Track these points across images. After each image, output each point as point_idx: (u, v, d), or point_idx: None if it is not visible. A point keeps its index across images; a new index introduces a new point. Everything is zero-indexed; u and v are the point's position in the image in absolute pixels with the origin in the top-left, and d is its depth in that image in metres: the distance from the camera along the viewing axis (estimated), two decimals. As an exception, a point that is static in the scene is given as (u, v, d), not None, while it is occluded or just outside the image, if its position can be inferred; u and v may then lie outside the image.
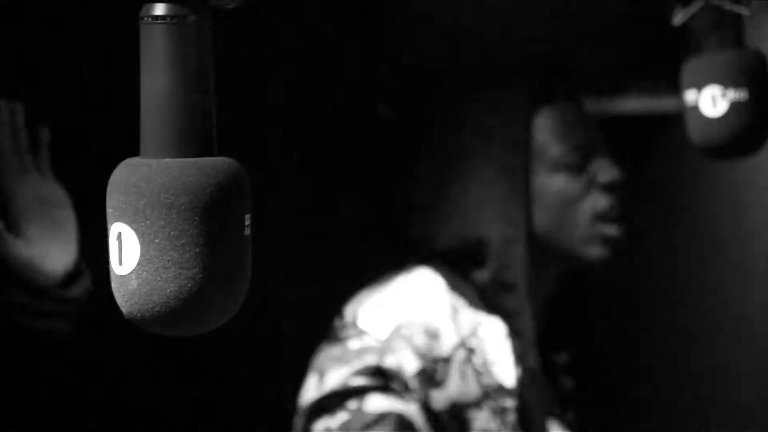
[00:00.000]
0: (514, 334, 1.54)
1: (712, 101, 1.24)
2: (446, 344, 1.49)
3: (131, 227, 0.69)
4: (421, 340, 1.48)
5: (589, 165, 1.60)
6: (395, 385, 1.42)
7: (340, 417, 1.42)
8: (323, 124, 2.03)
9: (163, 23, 0.71)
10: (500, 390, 1.49)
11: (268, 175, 1.92)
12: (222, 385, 1.81)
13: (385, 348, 1.46)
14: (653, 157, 2.37)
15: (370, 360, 1.45)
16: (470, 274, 1.57)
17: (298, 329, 1.73)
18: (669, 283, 2.45)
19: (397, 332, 1.48)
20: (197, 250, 0.69)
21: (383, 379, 1.43)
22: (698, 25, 1.26)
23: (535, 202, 1.58)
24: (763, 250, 2.37)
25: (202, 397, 1.80)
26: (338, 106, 2.03)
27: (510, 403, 1.49)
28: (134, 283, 0.70)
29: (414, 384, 1.44)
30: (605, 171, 1.60)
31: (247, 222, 0.73)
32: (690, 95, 1.26)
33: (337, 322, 1.54)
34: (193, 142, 0.71)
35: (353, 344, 1.48)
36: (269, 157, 1.96)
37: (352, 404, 1.42)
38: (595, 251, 1.60)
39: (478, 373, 1.49)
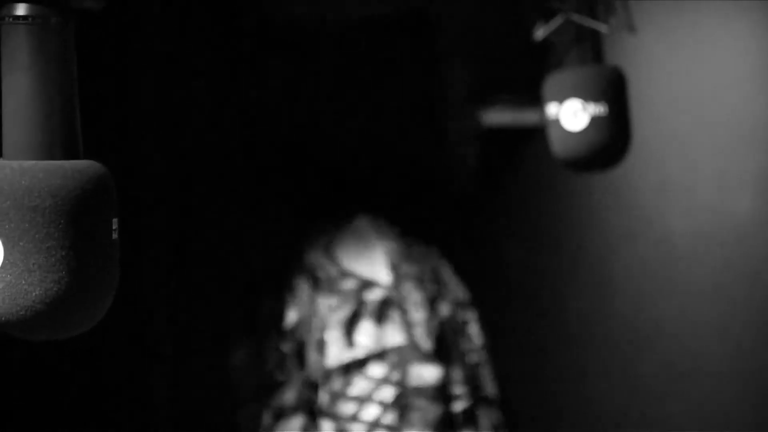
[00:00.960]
0: None
1: (573, 115, 1.26)
2: None
3: (-5, 230, 0.68)
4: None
5: None
6: None
7: None
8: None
9: (25, 23, 0.70)
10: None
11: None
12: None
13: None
14: (518, 169, 2.41)
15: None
16: None
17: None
18: (530, 294, 2.49)
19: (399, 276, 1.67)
20: (63, 253, 0.68)
21: None
22: (559, 41, 1.29)
23: None
24: (624, 264, 2.43)
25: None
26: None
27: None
28: (-2, 286, 0.68)
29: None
30: None
31: (115, 226, 0.72)
32: (551, 109, 1.28)
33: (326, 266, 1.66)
34: (57, 144, 0.70)
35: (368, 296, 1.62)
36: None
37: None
38: None
39: None
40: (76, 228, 0.69)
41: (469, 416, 1.66)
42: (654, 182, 2.41)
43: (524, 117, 2.22)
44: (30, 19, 0.69)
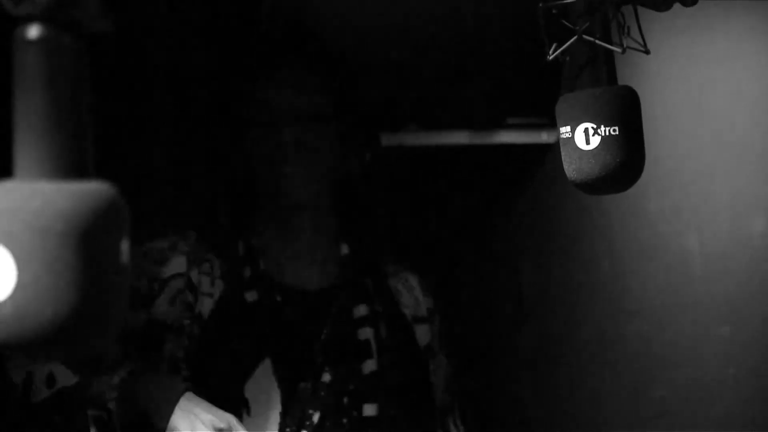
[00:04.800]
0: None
1: (585, 138, 1.26)
2: (168, 271, 1.72)
3: (7, 252, 0.68)
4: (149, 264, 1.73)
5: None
6: None
7: None
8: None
9: (38, 44, 0.70)
10: (198, 318, 1.69)
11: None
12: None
13: None
14: (532, 188, 2.41)
15: None
16: None
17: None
18: (543, 315, 2.48)
19: None
20: (73, 276, 0.68)
21: None
22: (572, 61, 1.29)
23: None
24: (638, 286, 2.42)
25: None
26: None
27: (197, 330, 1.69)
28: (9, 309, 0.68)
29: None
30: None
31: (125, 248, 0.72)
32: (564, 131, 1.28)
33: None
34: (68, 165, 0.70)
35: None
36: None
37: None
38: (288, 199, 1.80)
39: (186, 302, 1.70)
40: (86, 250, 0.69)
41: None
42: (668, 203, 2.41)
43: (539, 137, 2.22)
44: (42, 39, 0.70)
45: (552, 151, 2.14)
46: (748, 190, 2.42)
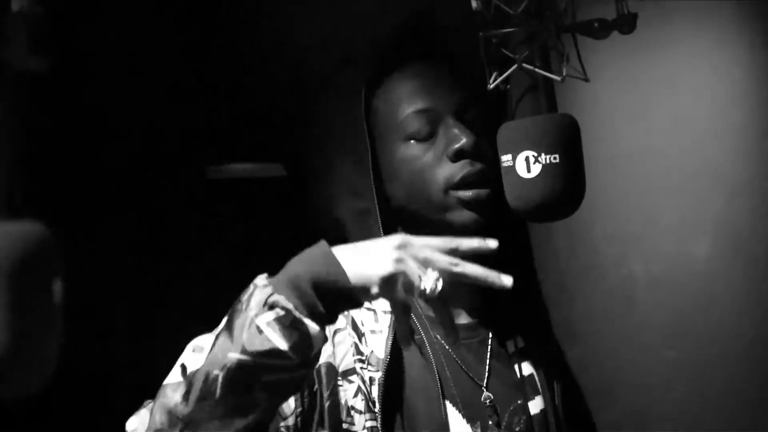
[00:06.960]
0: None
1: (526, 166, 1.26)
2: None
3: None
4: None
5: (438, 132, 1.49)
6: None
7: None
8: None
9: None
10: (370, 360, 1.40)
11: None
12: None
13: None
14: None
15: None
16: None
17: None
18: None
19: None
20: (4, 315, 0.67)
21: None
22: (512, 90, 1.29)
23: (388, 174, 1.51)
24: (582, 311, 2.43)
25: None
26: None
27: (377, 374, 1.39)
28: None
29: None
30: (453, 139, 1.47)
31: (57, 288, 0.71)
32: (505, 160, 1.28)
33: None
34: (-2, 204, 0.70)
35: None
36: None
37: None
38: (458, 216, 1.47)
39: (354, 343, 1.41)
40: (15, 289, 0.67)
41: None
42: (612, 229, 2.42)
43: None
44: None
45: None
46: (692, 213, 2.44)
